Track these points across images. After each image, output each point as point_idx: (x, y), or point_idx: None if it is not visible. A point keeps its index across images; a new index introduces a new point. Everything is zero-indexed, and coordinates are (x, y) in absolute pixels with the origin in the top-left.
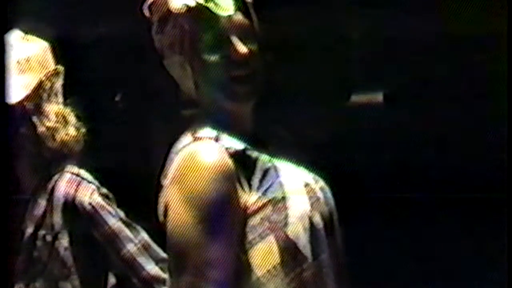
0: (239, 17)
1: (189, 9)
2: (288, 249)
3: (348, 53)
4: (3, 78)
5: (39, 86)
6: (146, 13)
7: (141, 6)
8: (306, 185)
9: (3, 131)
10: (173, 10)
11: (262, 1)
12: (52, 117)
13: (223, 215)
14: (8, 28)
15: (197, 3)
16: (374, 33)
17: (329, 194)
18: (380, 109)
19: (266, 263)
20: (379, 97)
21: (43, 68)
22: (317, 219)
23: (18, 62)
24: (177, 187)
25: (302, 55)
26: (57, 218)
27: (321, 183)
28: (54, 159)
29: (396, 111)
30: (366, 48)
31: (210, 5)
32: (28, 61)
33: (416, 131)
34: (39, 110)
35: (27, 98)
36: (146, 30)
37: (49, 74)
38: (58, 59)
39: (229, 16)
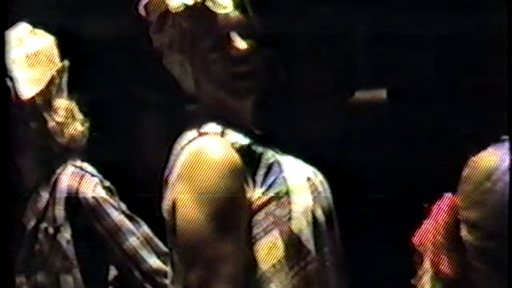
0: (237, 14)
1: (187, 7)
2: (292, 243)
3: (352, 48)
4: (5, 72)
5: (51, 81)
6: (142, 12)
7: (136, 6)
8: (308, 179)
9: (4, 124)
10: (172, 9)
11: None
12: (62, 112)
13: (233, 210)
14: (9, 23)
15: (196, 1)
16: (378, 29)
17: (327, 188)
18: (384, 105)
19: (271, 257)
20: (382, 93)
21: (51, 63)
22: (319, 213)
23: (27, 56)
24: (186, 183)
25: (305, 50)
26: (60, 211)
27: (320, 177)
28: (60, 153)
29: (400, 108)
30: (369, 44)
31: (209, 3)
32: (37, 55)
33: (421, 128)
34: (49, 105)
35: (40, 93)
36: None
37: (59, 69)
38: (62, 53)
39: (228, 13)
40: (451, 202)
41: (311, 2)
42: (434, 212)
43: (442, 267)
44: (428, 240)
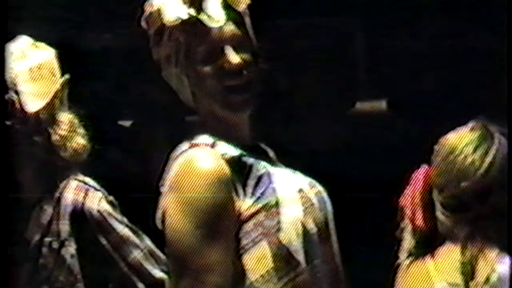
0: (231, 27)
1: (182, 22)
2: (281, 254)
3: (352, 60)
4: (3, 80)
5: (55, 95)
6: (144, 25)
7: (139, 19)
8: (300, 190)
9: (4, 136)
10: (167, 23)
11: (265, 11)
12: (64, 125)
13: (220, 220)
14: (9, 36)
15: (190, 15)
16: (377, 40)
17: (325, 199)
18: (383, 116)
19: (260, 268)
20: (382, 104)
21: (53, 76)
22: (311, 224)
23: (30, 69)
24: (175, 193)
25: (306, 62)
26: (64, 225)
27: (318, 188)
28: (62, 167)
29: (399, 118)
30: (369, 55)
31: (203, 17)
32: (40, 68)
33: (420, 138)
34: (52, 119)
35: (45, 107)
36: (146, 38)
37: (63, 83)
38: (62, 66)
39: (221, 27)
40: (426, 171)
41: (312, 15)
42: (413, 179)
43: (418, 221)
44: (408, 201)
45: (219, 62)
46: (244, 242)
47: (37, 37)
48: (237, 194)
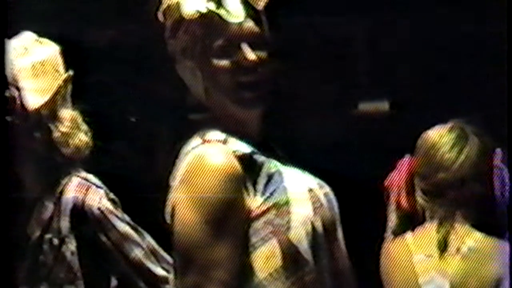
0: (249, 24)
1: (201, 15)
2: (290, 253)
3: (355, 61)
4: (4, 77)
5: (57, 91)
6: (160, 17)
7: (156, 11)
8: (310, 190)
9: (5, 133)
10: (186, 16)
11: (273, 10)
12: (67, 122)
13: (229, 216)
14: (10, 32)
15: (209, 9)
16: (380, 41)
17: (333, 200)
18: (386, 117)
19: (268, 266)
20: (385, 105)
21: (56, 72)
22: (319, 224)
23: (33, 65)
24: (185, 188)
25: (309, 63)
26: (65, 222)
27: (326, 189)
28: (64, 163)
29: (402, 119)
30: (372, 56)
31: (221, 12)
32: (43, 64)
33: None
34: (54, 116)
35: (46, 104)
36: (151, 34)
37: (65, 79)
38: (66, 62)
39: (240, 23)
40: (410, 160)
41: (315, 15)
42: (398, 166)
43: (402, 203)
44: (393, 185)
45: (235, 58)
46: (253, 240)
47: (41, 33)
48: (247, 191)
